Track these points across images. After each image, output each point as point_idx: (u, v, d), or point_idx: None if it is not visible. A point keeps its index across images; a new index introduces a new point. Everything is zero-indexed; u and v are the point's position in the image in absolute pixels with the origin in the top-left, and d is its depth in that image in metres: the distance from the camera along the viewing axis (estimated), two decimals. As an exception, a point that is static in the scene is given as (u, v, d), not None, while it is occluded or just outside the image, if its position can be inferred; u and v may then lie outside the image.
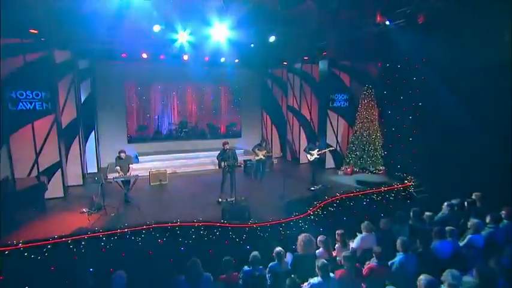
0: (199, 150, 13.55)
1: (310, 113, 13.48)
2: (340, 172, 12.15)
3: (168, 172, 11.43)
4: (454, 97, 8.81)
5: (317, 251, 5.32)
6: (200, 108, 15.88)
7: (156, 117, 15.43)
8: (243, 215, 7.65)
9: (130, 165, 8.82)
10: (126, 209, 8.61)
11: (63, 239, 6.06)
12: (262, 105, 15.55)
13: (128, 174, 8.72)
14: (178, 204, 8.99)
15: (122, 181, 8.67)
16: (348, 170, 12.08)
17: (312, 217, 8.02)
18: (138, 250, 6.55)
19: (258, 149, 10.59)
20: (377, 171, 11.85)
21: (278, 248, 5.06)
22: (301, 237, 5.20)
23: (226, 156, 8.92)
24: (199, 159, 12.90)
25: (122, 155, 8.62)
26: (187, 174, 12.28)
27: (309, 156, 10.36)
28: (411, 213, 6.49)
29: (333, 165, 13.12)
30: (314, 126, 13.47)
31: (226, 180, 9.01)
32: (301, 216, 7.74)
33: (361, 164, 11.98)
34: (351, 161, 12.12)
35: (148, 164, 12.46)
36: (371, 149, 11.82)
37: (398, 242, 4.93)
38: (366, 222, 5.94)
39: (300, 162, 13.88)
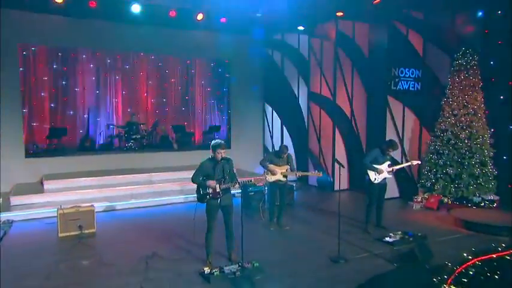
0: (159, 169, 11.06)
1: (350, 103, 10.97)
2: (415, 205, 9.14)
3: (98, 210, 8.02)
4: None
5: None
6: (161, 100, 13.76)
7: (85, 115, 12.64)
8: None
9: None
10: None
11: None
12: (265, 95, 13.26)
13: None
14: (111, 285, 5.24)
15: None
16: (432, 201, 8.97)
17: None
18: None
19: (274, 163, 7.49)
20: (486, 203, 8.62)
21: None
22: None
23: (218, 173, 5.70)
24: (160, 185, 10.20)
25: None
26: (136, 213, 8.94)
27: (372, 175, 7.38)
28: None
29: (396, 194, 10.07)
30: (357, 126, 11.01)
31: (216, 223, 5.78)
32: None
33: (457, 190, 8.78)
34: (437, 186, 8.97)
35: (63, 194, 9.08)
36: (475, 162, 8.65)
37: None
38: None
39: (335, 189, 10.80)
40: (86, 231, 7.14)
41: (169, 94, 13.82)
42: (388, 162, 7.35)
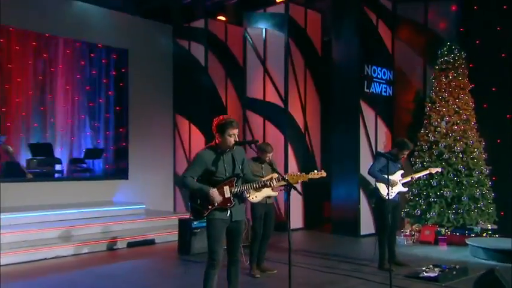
0: (19, 208, 9.68)
1: (303, 113, 10.92)
2: (406, 240, 8.85)
3: None
4: None
5: None
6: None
7: None
8: None
9: None
10: None
11: None
12: (178, 103, 12.79)
13: None
14: None
15: None
16: (427, 233, 8.80)
17: None
18: None
19: (257, 173, 6.65)
20: (488, 233, 8.66)
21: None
22: None
23: (226, 169, 4.68)
24: (29, 232, 8.74)
25: None
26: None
27: (383, 189, 7.01)
28: None
29: (371, 229, 9.71)
30: (311, 143, 11.02)
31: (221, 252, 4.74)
32: None
33: (456, 217, 8.70)
34: (431, 213, 8.81)
35: None
36: (474, 181, 8.75)
37: None
38: None
39: (291, 227, 10.00)
40: None
41: (13, 101, 11.85)
42: (401, 171, 7.04)
